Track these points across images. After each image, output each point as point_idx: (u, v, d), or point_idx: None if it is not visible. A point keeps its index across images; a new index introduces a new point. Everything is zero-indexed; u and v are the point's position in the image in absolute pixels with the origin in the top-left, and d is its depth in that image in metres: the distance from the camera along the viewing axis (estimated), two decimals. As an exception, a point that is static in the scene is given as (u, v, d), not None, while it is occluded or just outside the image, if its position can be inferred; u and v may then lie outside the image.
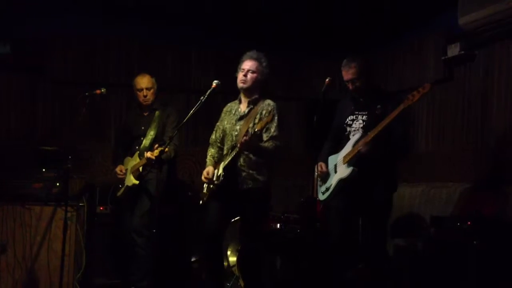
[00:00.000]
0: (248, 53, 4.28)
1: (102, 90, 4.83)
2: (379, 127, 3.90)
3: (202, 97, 4.10)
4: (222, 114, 4.37)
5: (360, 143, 3.99)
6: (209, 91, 4.04)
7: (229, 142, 4.19)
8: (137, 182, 4.88)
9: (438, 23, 5.46)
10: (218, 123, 4.40)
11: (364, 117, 4.16)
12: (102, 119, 6.08)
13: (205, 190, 4.26)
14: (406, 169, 5.80)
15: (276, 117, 4.13)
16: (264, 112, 4.14)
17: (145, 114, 5.11)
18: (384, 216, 4.18)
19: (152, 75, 5.11)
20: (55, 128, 5.92)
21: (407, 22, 5.79)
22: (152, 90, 5.05)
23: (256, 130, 3.88)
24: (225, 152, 4.23)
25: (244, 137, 3.87)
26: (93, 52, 6.04)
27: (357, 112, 4.22)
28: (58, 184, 5.02)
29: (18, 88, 5.84)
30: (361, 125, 4.15)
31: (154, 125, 5.01)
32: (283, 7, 5.68)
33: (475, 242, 3.91)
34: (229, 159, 4.04)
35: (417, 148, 5.75)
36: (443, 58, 5.28)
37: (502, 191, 4.58)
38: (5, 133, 5.75)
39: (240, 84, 4.20)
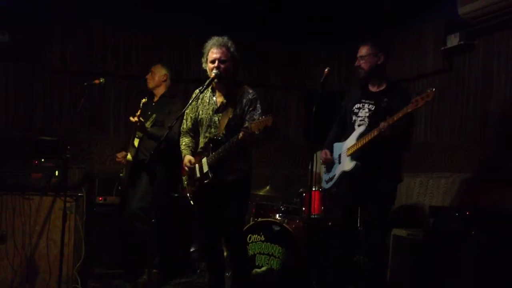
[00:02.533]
0: (212, 40, 4.03)
1: (101, 80, 4.86)
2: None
3: (200, 87, 4.09)
4: (193, 102, 4.12)
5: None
6: (207, 81, 4.00)
7: (207, 134, 4.07)
8: (129, 157, 5.05)
9: (437, 13, 5.44)
10: (187, 111, 4.18)
11: (371, 106, 4.15)
12: (101, 109, 6.07)
13: (186, 185, 4.17)
14: (404, 159, 5.82)
15: (258, 105, 4.04)
16: (244, 101, 4.01)
17: (154, 100, 5.30)
18: (388, 208, 4.18)
19: (164, 64, 5.38)
20: (53, 118, 5.91)
21: (406, 11, 5.77)
22: (154, 76, 5.29)
23: (253, 130, 3.69)
24: (201, 144, 4.12)
25: (245, 132, 3.72)
26: (92, 41, 6.00)
27: (363, 101, 4.20)
28: (57, 174, 5.02)
29: (16, 77, 5.81)
30: (367, 114, 4.14)
31: (158, 110, 5.13)
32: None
33: (473, 232, 3.92)
34: (216, 157, 3.94)
35: (415, 138, 5.75)
36: (442, 48, 5.26)
37: (500, 182, 4.59)
38: (4, 122, 5.74)
39: (212, 76, 3.97)
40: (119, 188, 5.38)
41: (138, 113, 4.83)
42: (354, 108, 4.22)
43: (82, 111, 4.78)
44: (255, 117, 3.94)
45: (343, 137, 4.32)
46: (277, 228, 4.93)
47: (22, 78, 5.83)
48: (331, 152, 4.35)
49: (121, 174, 5.21)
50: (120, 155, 5.27)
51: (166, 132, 4.68)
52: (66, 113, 5.90)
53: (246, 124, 3.79)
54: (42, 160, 5.04)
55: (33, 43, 5.75)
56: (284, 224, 4.91)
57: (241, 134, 3.74)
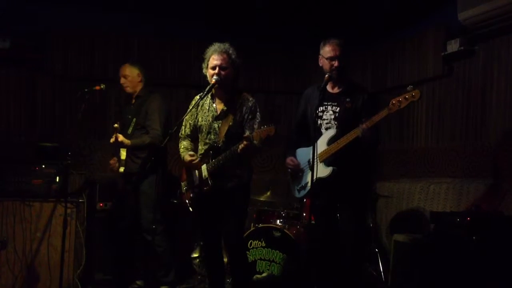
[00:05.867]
0: (214, 47, 4.03)
1: (102, 86, 4.86)
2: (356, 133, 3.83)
3: (201, 93, 4.10)
4: (192, 109, 4.11)
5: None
6: (208, 87, 4.01)
7: (207, 141, 4.07)
8: (122, 169, 4.93)
9: (438, 19, 5.45)
10: (186, 117, 4.17)
11: (334, 108, 4.06)
12: (101, 115, 6.08)
13: (185, 191, 4.17)
14: (405, 164, 5.83)
15: (258, 113, 4.04)
16: (244, 108, 4.02)
17: (132, 102, 5.14)
18: (363, 206, 4.14)
19: (133, 62, 5.15)
20: (54, 124, 5.92)
21: (407, 17, 5.78)
22: (129, 78, 5.07)
23: (254, 140, 3.71)
24: (201, 150, 4.12)
25: (245, 142, 3.73)
26: (92, 47, 6.03)
27: (326, 103, 4.09)
28: (58, 180, 5.02)
29: (17, 83, 5.83)
30: (332, 117, 4.05)
31: (137, 113, 5.01)
32: (282, 0, 5.68)
33: (474, 238, 3.91)
34: (216, 164, 3.94)
35: (416, 143, 5.76)
36: (442, 53, 5.27)
37: (501, 186, 4.59)
38: (5, 128, 5.74)
39: (212, 82, 3.97)
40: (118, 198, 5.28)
41: (114, 136, 4.75)
42: (317, 111, 4.09)
43: (82, 117, 4.78)
44: (255, 126, 3.95)
45: (305, 142, 4.19)
46: (277, 234, 4.92)
47: (23, 84, 5.84)
48: (296, 159, 4.24)
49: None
50: (113, 161, 5.10)
51: (145, 136, 4.84)
52: (67, 119, 5.91)
53: (248, 133, 3.80)
54: (43, 166, 5.05)
55: (34, 49, 5.76)
56: (285, 230, 4.90)
57: (242, 144, 3.75)
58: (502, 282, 3.83)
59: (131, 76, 5.08)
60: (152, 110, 4.94)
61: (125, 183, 5.03)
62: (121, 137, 4.78)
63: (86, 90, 4.79)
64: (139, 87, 5.12)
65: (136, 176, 4.87)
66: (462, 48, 5.07)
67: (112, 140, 4.80)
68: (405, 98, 3.65)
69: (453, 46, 5.15)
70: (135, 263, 5.14)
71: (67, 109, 5.92)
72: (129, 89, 5.11)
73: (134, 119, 5.00)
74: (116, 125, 4.78)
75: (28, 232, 4.89)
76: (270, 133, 3.70)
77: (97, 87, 4.84)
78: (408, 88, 3.66)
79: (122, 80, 5.10)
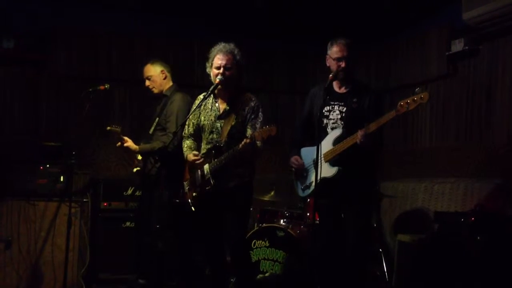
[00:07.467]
0: (219, 46, 4.02)
1: (106, 86, 4.85)
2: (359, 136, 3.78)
3: (204, 93, 4.10)
4: (195, 108, 4.10)
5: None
6: (211, 87, 4.01)
7: (209, 140, 4.07)
8: (135, 170, 4.89)
9: (442, 18, 5.44)
10: (190, 117, 4.16)
11: (341, 108, 4.03)
12: (106, 115, 6.08)
13: (187, 191, 4.17)
14: (409, 164, 5.83)
15: (260, 113, 4.03)
16: (247, 108, 4.01)
17: (160, 102, 5.00)
18: (366, 209, 4.11)
19: (154, 61, 5.00)
20: (59, 124, 5.92)
21: (411, 16, 5.78)
22: (153, 78, 4.92)
23: (256, 139, 3.72)
24: (203, 150, 4.12)
25: (246, 140, 3.73)
26: (96, 47, 6.02)
27: (332, 103, 4.06)
28: (62, 179, 5.04)
29: (21, 83, 5.83)
30: (339, 116, 4.02)
31: (160, 113, 4.93)
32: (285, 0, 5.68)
33: (478, 238, 3.91)
34: (218, 163, 3.93)
35: (420, 143, 5.75)
36: (447, 53, 5.26)
37: (505, 186, 4.58)
38: (9, 128, 5.75)
39: (216, 82, 3.96)
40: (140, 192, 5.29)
41: (120, 141, 4.73)
42: (323, 111, 4.05)
43: (87, 117, 4.78)
44: (257, 125, 3.96)
45: (310, 141, 4.17)
46: (281, 233, 4.92)
47: (27, 84, 5.84)
48: (301, 158, 4.22)
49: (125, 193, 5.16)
50: (136, 161, 4.99)
51: (156, 142, 4.74)
52: (71, 119, 5.90)
53: (249, 132, 3.80)
54: (47, 165, 5.06)
55: (37, 48, 5.76)
56: (288, 230, 4.90)
57: (242, 143, 3.75)
58: (506, 282, 3.83)
59: (154, 76, 4.92)
60: (171, 112, 4.77)
61: (140, 185, 5.02)
62: (128, 142, 4.70)
63: (90, 89, 4.79)
64: (166, 85, 4.95)
65: (150, 178, 4.79)
66: (466, 47, 5.07)
67: (118, 144, 4.73)
68: (413, 100, 3.58)
69: (457, 45, 5.15)
70: (139, 264, 5.13)
71: (71, 108, 5.91)
72: (155, 90, 4.94)
73: (157, 119, 4.89)
74: (109, 127, 4.66)
75: (32, 231, 4.91)
76: (271, 133, 3.69)
77: (102, 87, 4.82)
78: (416, 90, 3.60)
79: (147, 83, 4.93)
